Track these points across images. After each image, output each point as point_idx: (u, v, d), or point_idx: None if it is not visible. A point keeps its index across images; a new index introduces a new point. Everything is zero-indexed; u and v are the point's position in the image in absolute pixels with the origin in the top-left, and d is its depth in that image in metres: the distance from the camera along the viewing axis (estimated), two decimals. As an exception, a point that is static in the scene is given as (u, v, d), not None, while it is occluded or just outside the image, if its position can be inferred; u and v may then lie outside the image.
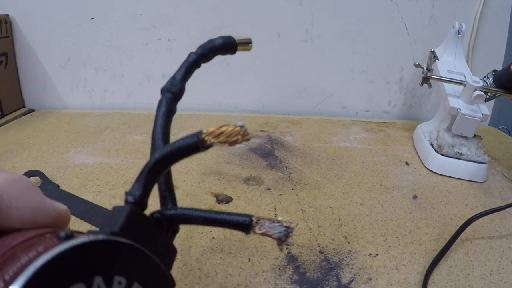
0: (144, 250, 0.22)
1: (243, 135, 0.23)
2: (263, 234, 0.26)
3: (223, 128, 0.23)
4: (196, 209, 0.27)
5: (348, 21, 0.94)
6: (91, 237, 0.19)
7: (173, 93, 0.33)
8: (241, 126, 0.23)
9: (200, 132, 0.24)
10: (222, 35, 0.36)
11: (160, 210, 0.27)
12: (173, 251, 0.29)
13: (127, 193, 0.25)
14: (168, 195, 0.31)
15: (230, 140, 0.23)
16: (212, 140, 0.23)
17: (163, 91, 0.33)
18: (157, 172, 0.26)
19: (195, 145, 0.24)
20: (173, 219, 0.27)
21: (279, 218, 0.26)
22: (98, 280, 0.18)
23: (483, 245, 0.51)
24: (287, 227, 0.25)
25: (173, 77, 0.34)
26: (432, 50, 0.70)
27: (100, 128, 0.85)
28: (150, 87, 0.99)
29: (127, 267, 0.20)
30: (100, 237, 0.19)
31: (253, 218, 0.26)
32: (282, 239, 0.25)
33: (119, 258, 0.20)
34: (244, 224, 0.26)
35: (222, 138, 0.23)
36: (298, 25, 0.94)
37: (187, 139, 0.24)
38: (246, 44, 0.37)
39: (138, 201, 0.25)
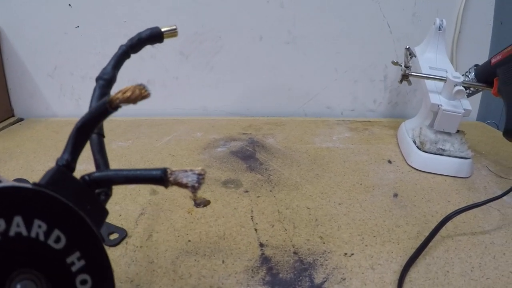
0: (67, 203, 0.24)
1: (142, 92, 0.25)
2: (178, 184, 0.28)
3: (124, 89, 0.26)
4: (118, 170, 0.30)
5: (330, 21, 0.94)
6: (14, 183, 0.22)
7: (105, 80, 0.36)
8: (140, 85, 0.26)
9: (108, 96, 0.26)
10: (150, 27, 0.39)
11: (88, 173, 0.29)
12: (104, 212, 0.31)
13: (57, 159, 0.28)
14: (101, 161, 0.34)
15: (132, 97, 0.25)
16: (117, 101, 0.26)
17: (97, 79, 0.37)
18: (81, 138, 0.29)
19: (104, 107, 0.26)
20: (99, 180, 0.29)
21: (192, 168, 0.27)
22: (18, 219, 0.21)
23: (464, 242, 0.50)
24: (199, 174, 0.27)
25: (105, 68, 0.37)
26: (407, 47, 0.70)
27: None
28: (136, 93, 0.99)
29: (47, 213, 0.23)
30: (22, 184, 0.22)
31: (168, 170, 0.28)
32: (196, 187, 0.27)
33: (39, 204, 0.23)
34: (158, 177, 0.28)
35: (124, 97, 0.26)
36: (280, 27, 0.94)
37: (98, 105, 0.27)
38: (172, 31, 0.40)
39: (65, 164, 0.28)
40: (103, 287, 0.27)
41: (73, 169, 0.29)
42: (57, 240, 0.23)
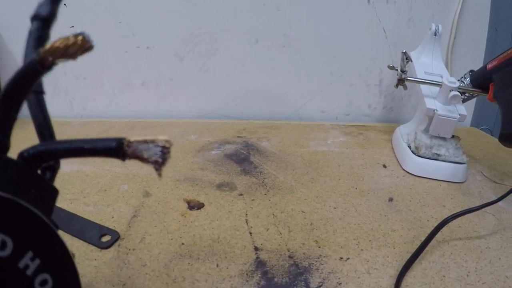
0: (6, 197, 0.20)
1: (82, 45, 0.22)
2: (138, 158, 0.24)
3: (59, 42, 0.21)
4: (62, 141, 0.26)
5: (326, 25, 0.94)
6: None
7: (42, 19, 0.30)
8: (80, 35, 0.22)
9: (37, 53, 0.22)
10: None
11: (27, 148, 0.26)
12: (53, 192, 0.27)
13: None
14: (45, 127, 0.30)
15: (69, 52, 0.22)
16: (50, 58, 0.22)
17: (32, 19, 0.31)
18: (10, 109, 0.25)
19: (34, 67, 0.22)
20: (42, 155, 0.26)
21: (154, 138, 0.24)
22: None
23: (460, 246, 0.50)
24: (163, 147, 0.23)
25: (41, 2, 0.31)
26: (404, 51, 0.70)
27: (79, 136, 0.83)
28: (130, 95, 0.98)
29: None
30: None
31: (124, 141, 0.24)
32: (159, 162, 0.23)
33: None
34: (114, 148, 0.24)
35: (59, 52, 0.21)
36: (276, 30, 0.94)
37: (26, 64, 0.23)
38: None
39: None
40: (66, 280, 0.24)
41: (5, 147, 0.25)
42: (3, 246, 0.20)
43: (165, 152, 0.23)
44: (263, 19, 0.92)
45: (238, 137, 0.84)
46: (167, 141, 0.24)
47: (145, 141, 0.24)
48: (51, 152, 0.26)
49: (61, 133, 0.84)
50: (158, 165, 0.23)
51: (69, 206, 0.55)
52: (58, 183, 0.60)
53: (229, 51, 0.95)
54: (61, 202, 0.56)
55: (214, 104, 1.00)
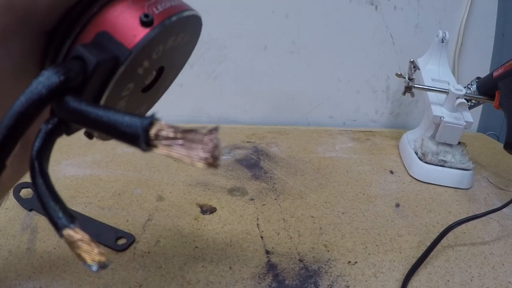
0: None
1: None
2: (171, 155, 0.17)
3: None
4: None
5: (334, 32, 0.95)
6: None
7: None
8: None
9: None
10: None
11: None
12: None
13: None
14: None
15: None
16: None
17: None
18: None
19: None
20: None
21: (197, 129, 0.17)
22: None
23: (464, 252, 0.52)
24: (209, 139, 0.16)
25: None
26: (412, 60, 0.71)
27: (91, 141, 0.85)
28: (141, 100, 1.00)
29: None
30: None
31: (155, 123, 0.17)
32: (209, 160, 0.16)
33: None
34: (134, 135, 0.17)
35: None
36: (285, 37, 0.95)
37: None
38: None
39: None
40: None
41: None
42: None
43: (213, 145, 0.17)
44: (272, 26, 0.93)
45: (247, 142, 0.86)
46: (213, 129, 0.17)
47: (190, 131, 0.17)
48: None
49: (74, 137, 0.85)
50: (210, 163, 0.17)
51: (84, 209, 0.57)
52: (72, 186, 0.62)
53: (238, 57, 0.96)
54: (76, 206, 0.57)
55: (223, 109, 1.01)
